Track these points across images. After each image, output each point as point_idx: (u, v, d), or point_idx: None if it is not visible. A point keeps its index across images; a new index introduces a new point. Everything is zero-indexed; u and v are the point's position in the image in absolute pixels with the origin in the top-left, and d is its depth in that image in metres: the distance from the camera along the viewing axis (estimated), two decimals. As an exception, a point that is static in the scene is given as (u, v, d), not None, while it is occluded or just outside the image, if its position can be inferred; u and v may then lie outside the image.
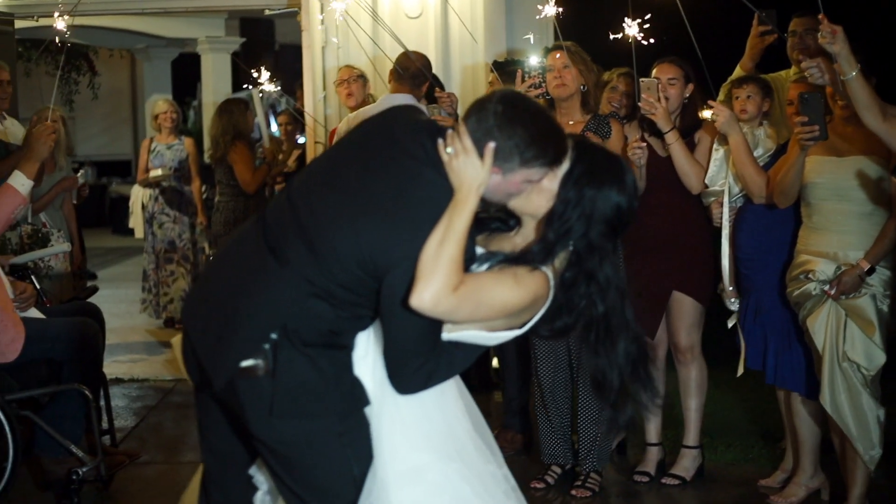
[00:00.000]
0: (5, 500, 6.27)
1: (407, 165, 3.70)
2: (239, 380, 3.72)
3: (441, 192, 3.61)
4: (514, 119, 3.66)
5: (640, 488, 6.76)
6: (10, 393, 6.36)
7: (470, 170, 3.60)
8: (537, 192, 3.78)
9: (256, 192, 9.87)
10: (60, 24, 6.34)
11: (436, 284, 3.48)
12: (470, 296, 3.56)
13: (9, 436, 6.22)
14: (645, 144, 6.51)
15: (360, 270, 3.64)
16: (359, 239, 3.61)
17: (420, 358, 3.65)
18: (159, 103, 12.16)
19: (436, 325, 3.63)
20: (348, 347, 3.80)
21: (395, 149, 3.74)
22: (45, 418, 6.49)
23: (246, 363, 3.70)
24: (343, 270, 3.65)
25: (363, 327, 3.81)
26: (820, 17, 5.42)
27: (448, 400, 3.84)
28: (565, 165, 3.76)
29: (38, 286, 7.34)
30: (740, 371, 6.62)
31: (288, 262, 3.72)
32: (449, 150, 3.62)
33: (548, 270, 3.75)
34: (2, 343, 6.33)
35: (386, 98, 8.28)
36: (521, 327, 3.80)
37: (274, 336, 3.69)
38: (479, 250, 3.81)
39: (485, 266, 3.77)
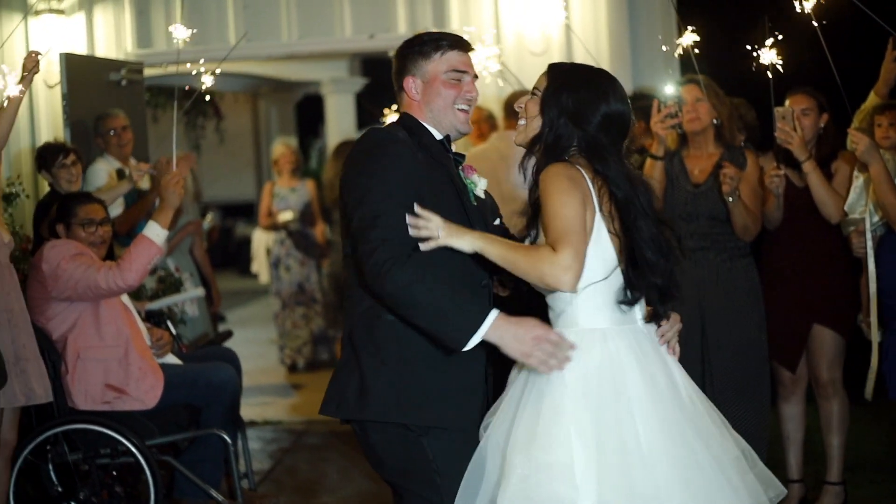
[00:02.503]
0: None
1: None
2: None
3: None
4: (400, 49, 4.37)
5: (784, 527, 6.61)
6: (151, 438, 6.43)
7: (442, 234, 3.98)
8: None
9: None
10: (207, 79, 6.42)
11: (557, 269, 3.82)
12: (567, 240, 3.83)
13: (150, 481, 6.31)
14: (783, 172, 6.40)
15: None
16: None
17: (368, 243, 3.99)
18: (277, 147, 12.30)
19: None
20: (391, 339, 4.11)
21: None
22: (185, 463, 6.57)
23: None
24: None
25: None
26: None
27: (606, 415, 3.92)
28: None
29: (173, 332, 7.42)
30: (868, 392, 6.44)
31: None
32: (440, 231, 3.96)
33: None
34: (141, 390, 6.42)
35: (498, 136, 8.29)
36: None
37: None
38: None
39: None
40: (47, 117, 9.42)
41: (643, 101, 7.23)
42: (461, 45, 4.28)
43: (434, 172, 4.16)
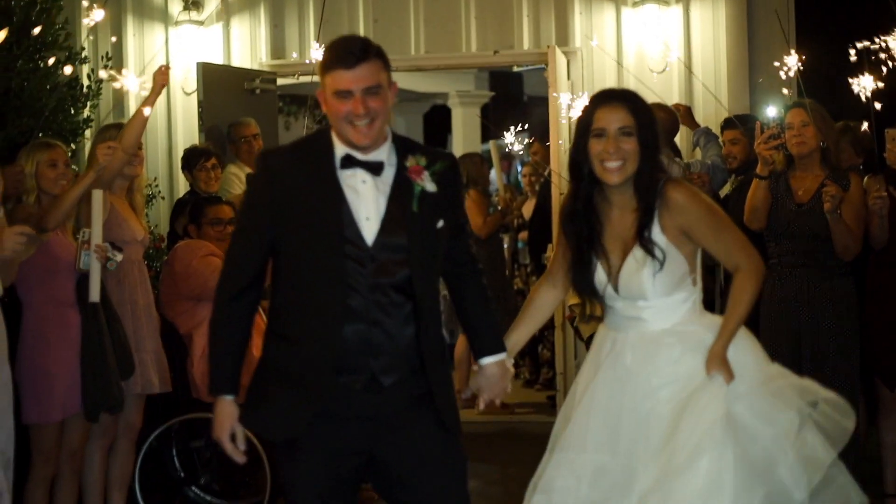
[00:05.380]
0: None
1: None
2: None
3: None
4: None
5: (881, 541, 6.64)
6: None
7: None
8: None
9: (489, 237, 10.20)
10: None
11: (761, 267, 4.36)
12: (733, 235, 4.36)
13: (268, 470, 6.60)
14: (886, 194, 6.43)
15: None
16: None
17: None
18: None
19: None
20: None
21: None
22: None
23: None
24: None
25: None
26: None
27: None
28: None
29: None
30: None
31: None
32: None
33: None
34: (262, 384, 6.68)
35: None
36: None
37: None
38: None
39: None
40: (184, 122, 9.78)
41: (752, 124, 7.30)
42: (346, 61, 3.98)
43: (315, 188, 4.05)
